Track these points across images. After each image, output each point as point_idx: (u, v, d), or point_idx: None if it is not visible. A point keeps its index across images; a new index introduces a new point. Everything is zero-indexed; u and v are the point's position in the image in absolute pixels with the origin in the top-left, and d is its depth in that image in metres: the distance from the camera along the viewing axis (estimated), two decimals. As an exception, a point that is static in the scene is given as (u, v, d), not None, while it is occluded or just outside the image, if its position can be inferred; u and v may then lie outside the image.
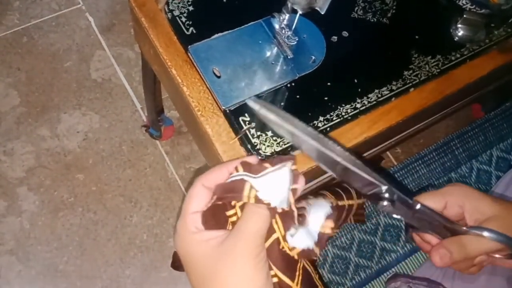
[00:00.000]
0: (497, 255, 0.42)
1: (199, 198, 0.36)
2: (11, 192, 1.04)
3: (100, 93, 1.16)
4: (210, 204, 0.35)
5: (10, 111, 1.11)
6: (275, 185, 0.35)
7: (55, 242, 1.01)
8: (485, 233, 0.39)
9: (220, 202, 0.35)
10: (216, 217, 0.36)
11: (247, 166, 0.36)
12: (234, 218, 0.36)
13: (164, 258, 1.02)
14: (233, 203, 0.35)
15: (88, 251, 1.01)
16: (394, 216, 0.39)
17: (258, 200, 0.34)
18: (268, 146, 0.50)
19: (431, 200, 0.42)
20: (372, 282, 0.97)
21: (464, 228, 0.40)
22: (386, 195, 0.37)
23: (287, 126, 0.35)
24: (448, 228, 0.40)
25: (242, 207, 0.35)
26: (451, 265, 0.40)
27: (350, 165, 0.35)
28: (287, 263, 0.36)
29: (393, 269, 0.99)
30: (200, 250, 0.34)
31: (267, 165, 0.36)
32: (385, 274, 0.98)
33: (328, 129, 0.52)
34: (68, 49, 1.20)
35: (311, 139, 0.35)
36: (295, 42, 0.54)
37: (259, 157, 0.46)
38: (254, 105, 0.36)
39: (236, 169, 0.36)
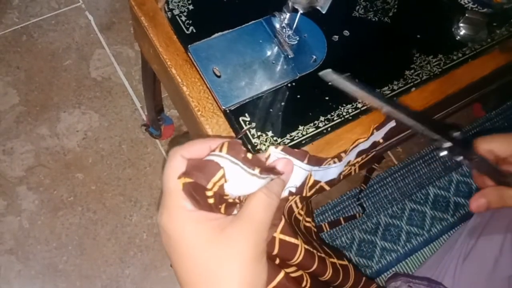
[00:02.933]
0: None
1: (180, 171, 0.32)
2: (11, 191, 1.03)
3: (100, 92, 1.16)
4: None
5: (10, 110, 1.11)
6: (248, 185, 0.33)
7: (55, 242, 1.00)
8: None
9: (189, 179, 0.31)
10: (197, 194, 0.32)
11: (232, 149, 0.33)
12: (211, 200, 0.32)
13: (164, 257, 1.02)
14: (209, 185, 0.31)
15: (88, 251, 1.00)
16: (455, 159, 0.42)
17: (220, 190, 0.31)
18: (268, 146, 0.49)
19: (498, 143, 0.43)
20: (373, 281, 0.97)
21: None
22: (447, 145, 0.41)
23: (362, 95, 0.39)
24: (501, 176, 0.43)
25: (220, 189, 0.32)
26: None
27: (417, 125, 0.40)
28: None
29: (393, 269, 0.99)
30: (197, 230, 0.32)
31: (260, 156, 0.34)
32: (385, 273, 0.98)
33: (329, 129, 0.52)
34: (68, 48, 1.19)
35: (385, 104, 0.40)
36: (296, 42, 0.54)
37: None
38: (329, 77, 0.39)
39: (220, 149, 0.33)
